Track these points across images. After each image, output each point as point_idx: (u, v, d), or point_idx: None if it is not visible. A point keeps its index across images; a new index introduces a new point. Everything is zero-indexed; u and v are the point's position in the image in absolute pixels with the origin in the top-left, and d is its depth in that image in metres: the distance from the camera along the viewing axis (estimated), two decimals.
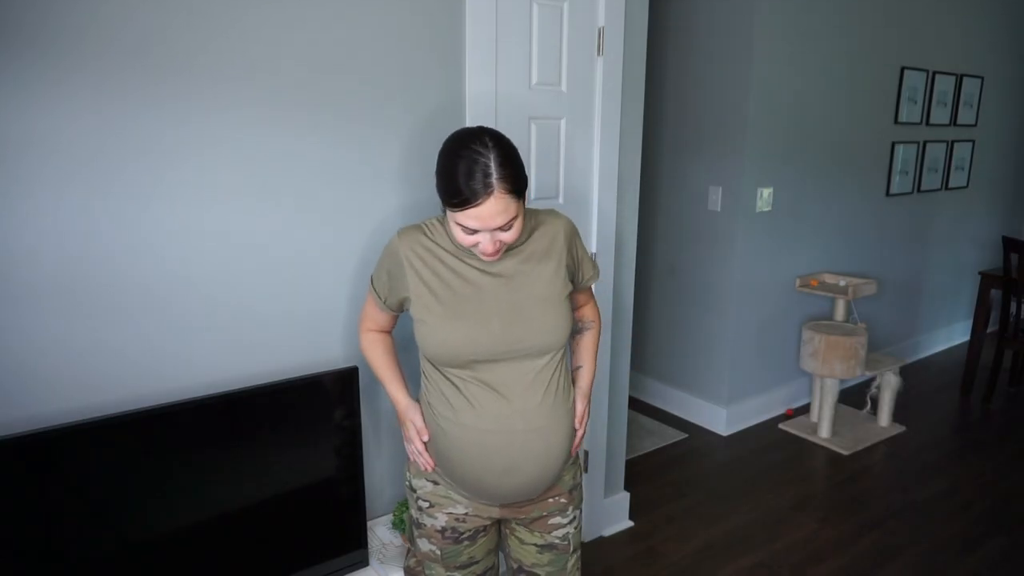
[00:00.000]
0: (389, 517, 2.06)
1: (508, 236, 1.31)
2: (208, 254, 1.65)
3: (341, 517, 1.81)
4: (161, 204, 1.57)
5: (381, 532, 2.00)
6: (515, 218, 1.29)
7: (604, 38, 2.20)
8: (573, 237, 1.48)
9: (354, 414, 1.78)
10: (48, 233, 1.45)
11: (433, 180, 1.94)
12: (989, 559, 2.61)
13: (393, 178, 1.90)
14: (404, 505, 1.92)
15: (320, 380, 1.72)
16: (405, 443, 1.55)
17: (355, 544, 1.84)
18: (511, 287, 1.39)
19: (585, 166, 2.27)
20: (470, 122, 1.97)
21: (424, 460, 1.50)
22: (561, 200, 2.22)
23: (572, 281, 1.48)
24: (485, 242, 1.30)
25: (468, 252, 1.39)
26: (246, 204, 1.68)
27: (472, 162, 1.23)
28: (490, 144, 1.26)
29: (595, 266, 1.58)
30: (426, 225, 1.45)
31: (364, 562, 1.86)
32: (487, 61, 1.97)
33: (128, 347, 1.58)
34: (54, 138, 1.42)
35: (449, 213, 1.30)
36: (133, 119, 1.50)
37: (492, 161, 1.24)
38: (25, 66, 1.37)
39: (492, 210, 1.25)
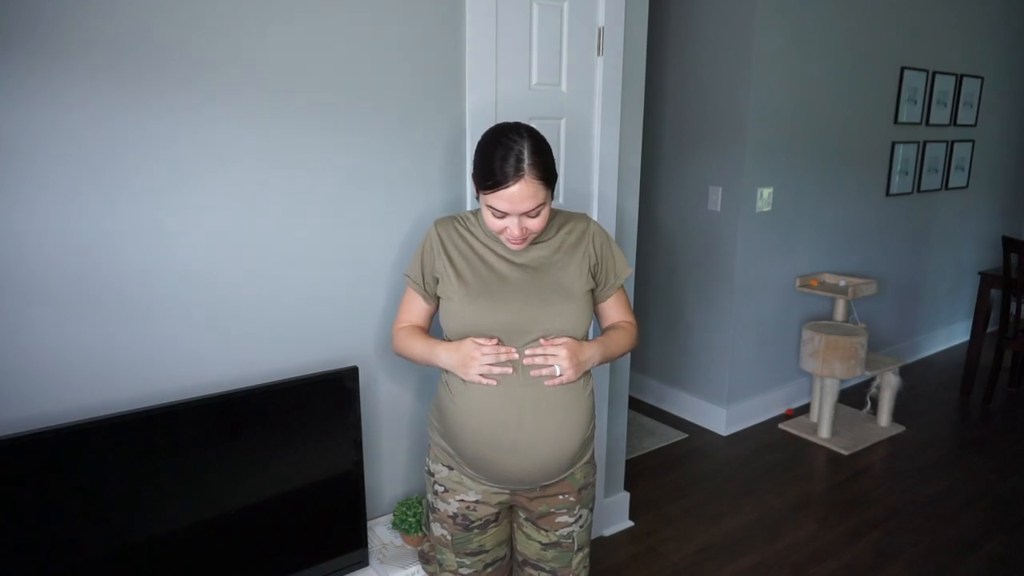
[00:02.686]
0: (389, 517, 2.06)
1: (534, 224, 1.40)
2: (209, 254, 1.65)
3: (341, 517, 1.81)
4: (163, 205, 1.57)
5: (381, 532, 2.00)
6: (542, 206, 1.38)
7: (604, 38, 2.20)
8: (603, 240, 1.55)
9: (355, 414, 1.78)
10: (49, 233, 1.45)
11: (435, 180, 1.97)
12: (989, 559, 2.61)
13: (396, 180, 1.90)
14: (405, 505, 1.93)
15: (321, 380, 1.72)
16: (473, 366, 1.43)
17: (355, 544, 1.84)
18: (536, 277, 1.47)
19: (585, 166, 2.27)
20: (470, 123, 1.98)
21: (505, 350, 1.42)
22: (561, 200, 2.22)
23: (595, 279, 1.54)
24: (512, 227, 1.38)
25: (498, 242, 1.49)
26: (247, 205, 1.68)
27: (507, 149, 1.34)
28: (525, 135, 1.37)
29: (628, 266, 1.59)
30: (461, 216, 1.55)
31: (364, 562, 1.87)
32: (487, 61, 1.97)
33: (128, 347, 1.58)
34: (53, 138, 1.42)
35: (482, 198, 1.40)
36: (139, 122, 1.50)
37: (525, 149, 1.34)
38: (20, 63, 1.37)
39: (521, 193, 1.34)
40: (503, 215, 1.38)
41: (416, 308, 1.60)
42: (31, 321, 1.46)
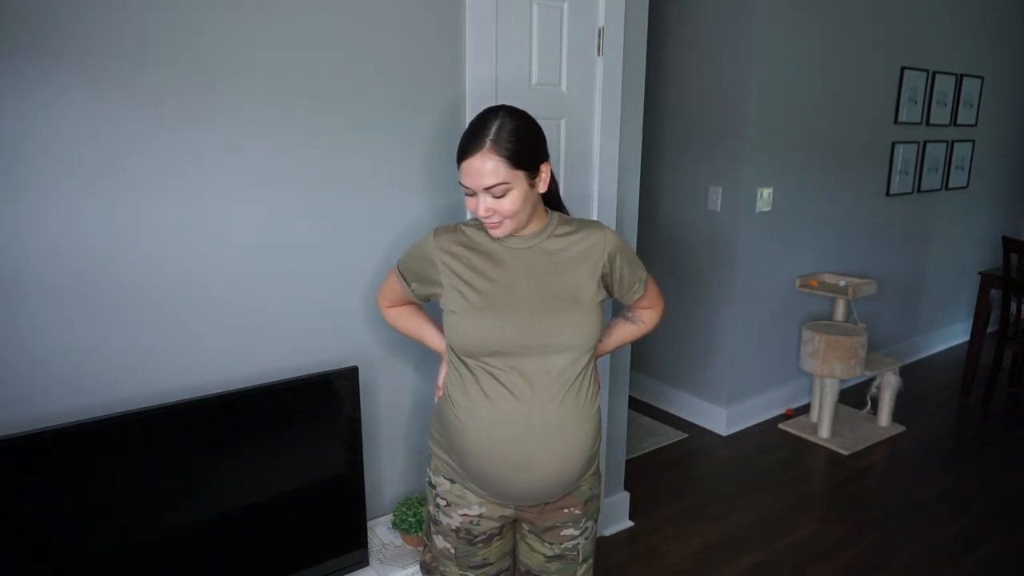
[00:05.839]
0: (389, 517, 2.06)
1: (503, 206, 1.34)
2: (209, 255, 1.65)
3: (341, 517, 1.81)
4: (163, 205, 1.57)
5: (381, 532, 2.00)
6: (507, 187, 1.33)
7: (604, 38, 2.20)
8: (616, 251, 1.48)
9: (354, 414, 1.78)
10: (47, 234, 1.45)
11: (435, 181, 1.97)
12: (989, 559, 2.61)
13: (395, 181, 1.90)
14: (405, 505, 1.93)
15: (321, 380, 1.72)
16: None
17: (355, 544, 1.84)
18: (543, 284, 1.42)
19: (585, 166, 2.27)
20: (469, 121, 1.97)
21: None
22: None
23: (608, 290, 1.50)
24: (480, 207, 1.35)
25: (505, 242, 1.44)
26: (248, 205, 1.68)
27: (479, 124, 1.33)
28: (501, 115, 1.33)
29: (644, 284, 1.56)
30: (463, 225, 1.49)
31: (364, 562, 1.87)
32: (487, 61, 1.97)
33: (128, 347, 1.58)
34: (51, 137, 1.42)
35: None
36: (138, 124, 1.50)
37: (494, 125, 1.31)
38: (20, 62, 1.37)
39: (481, 167, 1.31)
40: (472, 193, 1.34)
41: (399, 294, 1.60)
42: (30, 321, 1.46)
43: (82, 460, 1.44)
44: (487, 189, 1.32)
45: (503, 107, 1.36)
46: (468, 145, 1.32)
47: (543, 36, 2.07)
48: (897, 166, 4.17)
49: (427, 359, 2.06)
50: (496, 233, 1.39)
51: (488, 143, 1.30)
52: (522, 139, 1.33)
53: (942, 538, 2.74)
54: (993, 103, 4.78)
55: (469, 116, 1.97)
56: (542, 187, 1.39)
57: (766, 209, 3.49)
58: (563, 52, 2.13)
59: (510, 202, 1.34)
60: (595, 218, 2.32)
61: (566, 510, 1.51)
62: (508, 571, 1.61)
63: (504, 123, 1.32)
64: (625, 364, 2.61)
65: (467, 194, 1.36)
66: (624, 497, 2.79)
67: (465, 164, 1.32)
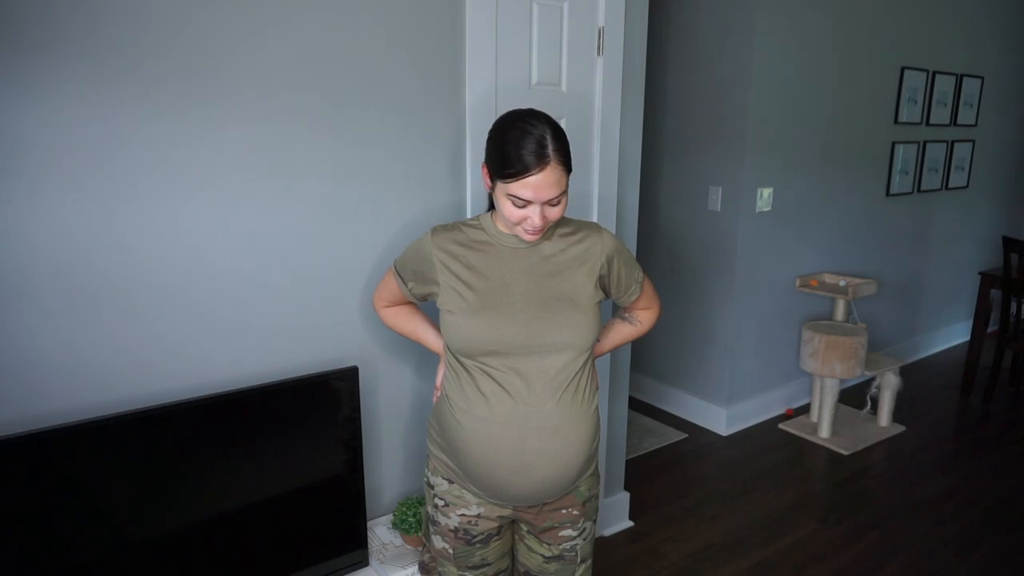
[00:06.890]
0: (389, 517, 2.06)
1: (555, 212, 1.36)
2: (207, 253, 1.65)
3: (341, 517, 1.81)
4: (161, 205, 1.57)
5: (381, 532, 2.00)
6: (564, 194, 1.34)
7: (604, 38, 2.20)
8: (614, 253, 1.48)
9: (354, 414, 1.78)
10: (47, 232, 1.45)
11: (436, 180, 1.97)
12: (989, 559, 2.61)
13: (396, 180, 1.90)
14: (405, 505, 1.93)
15: (321, 380, 1.72)
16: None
17: (355, 544, 1.84)
18: (541, 285, 1.41)
19: (585, 166, 2.27)
20: (470, 123, 1.98)
21: None
22: None
23: (606, 292, 1.51)
24: (535, 216, 1.33)
25: (502, 245, 1.43)
26: (248, 204, 1.68)
27: (527, 134, 1.29)
28: (543, 120, 1.32)
29: (641, 286, 1.57)
30: (461, 223, 1.49)
31: (364, 562, 1.87)
32: (487, 61, 1.97)
33: (127, 347, 1.58)
34: (49, 136, 1.42)
35: (501, 187, 1.34)
36: (135, 121, 1.50)
37: (547, 134, 1.30)
38: (14, 58, 1.37)
39: (547, 180, 1.29)
40: (524, 204, 1.31)
41: (396, 293, 1.60)
42: (29, 321, 1.46)
43: (81, 460, 1.44)
44: (548, 200, 1.32)
45: (539, 114, 1.34)
46: (530, 160, 1.28)
47: (543, 36, 2.07)
48: (897, 166, 4.17)
49: (427, 359, 2.06)
50: (535, 239, 1.39)
51: (552, 154, 1.29)
52: (567, 144, 1.34)
53: (942, 538, 2.74)
54: (993, 103, 4.78)
55: (469, 116, 1.97)
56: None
57: (766, 209, 3.49)
58: (563, 52, 2.13)
59: (561, 207, 1.36)
60: (595, 219, 2.32)
61: (564, 511, 1.51)
62: (507, 571, 1.61)
63: (552, 131, 1.31)
64: (625, 364, 2.61)
65: (518, 206, 1.33)
66: (624, 497, 2.79)
67: (531, 179, 1.29)
